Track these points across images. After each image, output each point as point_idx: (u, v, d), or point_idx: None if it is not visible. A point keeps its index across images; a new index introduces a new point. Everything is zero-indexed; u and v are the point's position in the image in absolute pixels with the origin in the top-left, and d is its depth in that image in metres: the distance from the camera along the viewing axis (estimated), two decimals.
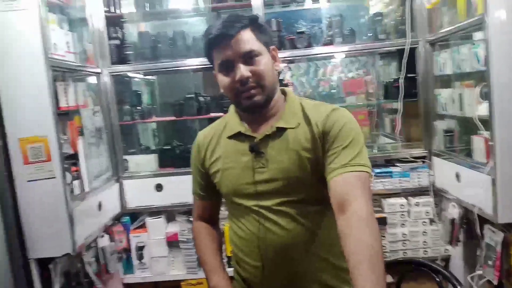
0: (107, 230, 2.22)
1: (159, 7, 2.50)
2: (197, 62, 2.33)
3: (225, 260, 1.91)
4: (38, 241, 1.73)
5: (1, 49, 1.65)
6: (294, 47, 2.30)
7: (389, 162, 2.32)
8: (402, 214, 2.24)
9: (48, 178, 1.71)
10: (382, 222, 2.21)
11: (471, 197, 1.84)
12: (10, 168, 1.69)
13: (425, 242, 2.24)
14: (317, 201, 1.14)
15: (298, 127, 1.14)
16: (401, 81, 2.24)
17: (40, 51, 1.65)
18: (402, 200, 2.24)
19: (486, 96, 1.68)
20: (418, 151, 2.26)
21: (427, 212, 2.22)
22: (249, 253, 1.20)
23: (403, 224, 2.24)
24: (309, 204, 1.14)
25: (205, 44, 1.14)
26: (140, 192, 2.37)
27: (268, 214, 1.15)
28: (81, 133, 1.98)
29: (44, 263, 1.78)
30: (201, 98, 2.41)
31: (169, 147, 2.47)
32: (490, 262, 1.72)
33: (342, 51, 2.37)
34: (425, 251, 2.24)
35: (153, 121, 2.62)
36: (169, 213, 2.48)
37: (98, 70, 2.26)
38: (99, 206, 2.08)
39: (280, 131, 1.15)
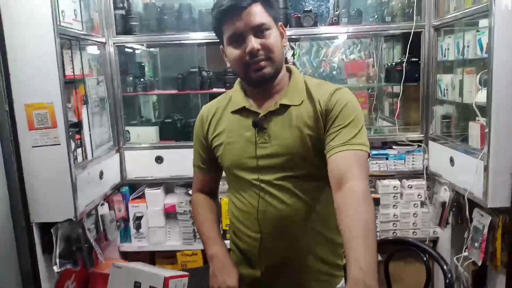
0: (107, 199, 2.26)
1: None
2: (202, 36, 2.34)
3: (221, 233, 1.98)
4: (41, 206, 1.77)
5: (9, 15, 1.64)
6: (300, 25, 2.30)
7: (386, 144, 2.37)
8: (395, 196, 2.31)
9: (53, 145, 1.73)
10: (375, 202, 2.28)
11: (463, 182, 1.89)
12: (16, 134, 1.71)
13: (415, 223, 2.32)
14: (316, 178, 1.18)
15: (301, 104, 1.17)
16: (405, 64, 2.26)
17: (49, 18, 1.65)
18: (396, 182, 2.30)
19: (485, 83, 1.71)
20: (415, 135, 2.31)
21: (419, 195, 2.29)
22: (249, 225, 1.24)
23: (395, 206, 2.31)
24: (308, 180, 1.18)
25: (215, 16, 1.15)
26: (140, 163, 2.41)
27: (269, 188, 1.19)
28: (85, 102, 2.00)
29: (45, 228, 1.83)
30: (204, 73, 2.43)
31: (170, 120, 2.50)
32: (476, 244, 1.79)
33: (347, 32, 2.38)
34: (414, 232, 2.31)
35: (156, 94, 2.65)
36: (168, 185, 2.53)
37: (103, 40, 2.26)
38: (101, 175, 2.12)
39: (284, 108, 1.18)
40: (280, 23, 1.19)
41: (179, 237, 2.46)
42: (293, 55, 2.60)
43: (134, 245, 2.47)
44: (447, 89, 2.12)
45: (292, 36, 2.34)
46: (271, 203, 1.19)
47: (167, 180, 2.45)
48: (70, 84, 1.89)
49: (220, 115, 1.28)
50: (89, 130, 2.03)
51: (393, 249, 1.74)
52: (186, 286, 2.05)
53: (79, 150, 1.94)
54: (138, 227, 2.45)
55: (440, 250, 2.28)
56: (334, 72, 3.21)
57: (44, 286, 1.82)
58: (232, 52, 1.14)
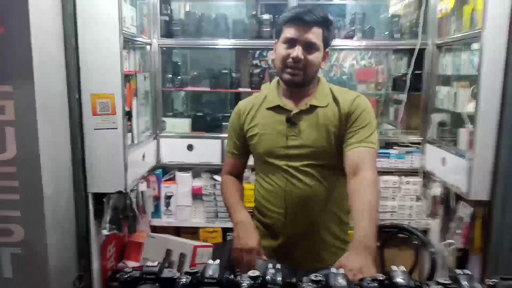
0: (145, 178, 2.62)
1: None
2: (234, 42, 2.69)
3: None
4: (97, 179, 2.10)
5: (83, 18, 1.98)
6: None
7: (388, 145, 2.69)
8: (394, 190, 2.63)
9: (111, 129, 2.08)
10: None
11: (451, 179, 2.22)
12: (81, 118, 2.06)
13: (410, 215, 2.64)
14: (334, 167, 1.43)
15: (327, 106, 1.42)
16: (409, 76, 2.60)
17: (116, 23, 1.99)
18: (395, 178, 2.62)
19: (475, 96, 2.04)
20: (415, 138, 2.64)
21: (415, 190, 2.61)
22: (275, 203, 1.47)
23: (393, 198, 2.63)
24: (328, 169, 1.43)
25: (284, 16, 1.38)
26: (173, 150, 2.75)
27: (295, 173, 1.43)
28: (135, 94, 2.36)
29: (97, 197, 2.17)
30: (234, 74, 2.77)
31: (202, 114, 2.84)
32: (458, 231, 2.13)
33: (360, 46, 2.71)
34: (409, 222, 2.64)
35: (190, 90, 2.98)
36: (196, 170, 2.87)
37: (150, 41, 2.62)
38: (143, 157, 2.47)
39: (313, 108, 1.42)
40: (327, 50, 1.42)
41: (203, 215, 2.79)
42: None
43: (163, 221, 2.80)
44: (443, 99, 2.45)
45: None
46: (296, 185, 1.42)
47: (196, 166, 2.78)
48: (125, 78, 2.25)
49: (256, 110, 1.50)
50: (137, 119, 2.39)
51: (388, 235, 2.05)
52: (210, 255, 2.42)
53: (129, 135, 2.28)
54: (167, 205, 2.79)
55: (430, 238, 2.61)
56: (345, 77, 3.50)
57: (93, 246, 2.16)
58: (281, 50, 1.38)
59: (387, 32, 2.69)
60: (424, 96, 2.61)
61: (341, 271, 0.94)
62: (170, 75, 2.77)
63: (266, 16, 2.65)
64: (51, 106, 1.84)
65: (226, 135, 2.63)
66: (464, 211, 2.11)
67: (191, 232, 2.87)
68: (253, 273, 0.93)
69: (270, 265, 0.96)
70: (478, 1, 2.02)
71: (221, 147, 2.69)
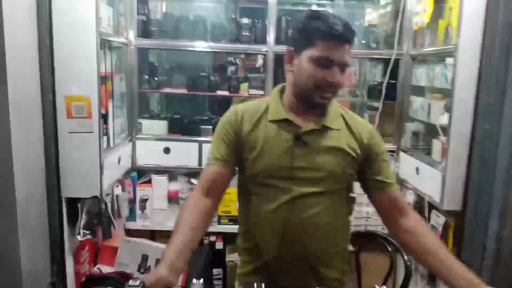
0: (120, 182, 2.57)
1: None
2: (212, 45, 2.67)
3: None
4: (71, 183, 2.06)
5: (59, 20, 1.92)
6: None
7: None
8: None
9: (87, 132, 2.04)
10: (352, 201, 2.65)
11: (425, 188, 2.29)
12: (56, 121, 2.00)
13: (378, 215, 2.70)
14: (341, 195, 1.34)
15: (340, 130, 1.30)
16: (384, 85, 2.66)
17: (93, 25, 1.95)
18: None
19: (448, 109, 2.11)
20: (389, 146, 2.70)
21: None
22: (269, 232, 1.29)
23: (368, 204, 2.69)
24: (335, 196, 1.31)
25: (318, 30, 1.17)
26: (149, 152, 2.70)
27: (298, 199, 1.26)
28: (111, 96, 2.31)
29: (71, 203, 2.12)
30: (212, 77, 2.75)
31: (178, 116, 2.81)
32: None
33: None
34: (383, 228, 2.69)
35: (167, 92, 2.94)
36: (172, 173, 2.83)
37: (126, 42, 2.56)
38: (119, 160, 2.43)
39: (325, 129, 1.29)
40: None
41: None
42: None
43: (138, 224, 2.75)
44: (418, 109, 2.52)
45: None
46: (297, 213, 1.27)
47: (172, 169, 2.76)
48: (101, 80, 2.19)
49: (257, 120, 1.31)
50: (113, 121, 2.34)
51: (363, 241, 2.09)
52: None
53: (104, 138, 2.23)
54: (143, 208, 2.75)
55: None
56: None
57: (67, 252, 2.12)
58: (312, 70, 1.19)
59: (364, 41, 2.74)
60: (398, 105, 2.67)
61: None
62: (147, 77, 2.72)
63: (245, 20, 2.65)
64: (24, 109, 1.79)
65: (203, 138, 2.69)
66: (436, 220, 2.18)
67: (167, 236, 2.80)
68: None
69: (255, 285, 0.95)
70: (453, 17, 2.08)
71: (199, 150, 2.67)
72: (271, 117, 1.30)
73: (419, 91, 2.59)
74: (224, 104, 3.00)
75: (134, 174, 2.75)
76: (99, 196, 2.10)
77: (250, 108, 1.35)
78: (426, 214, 2.26)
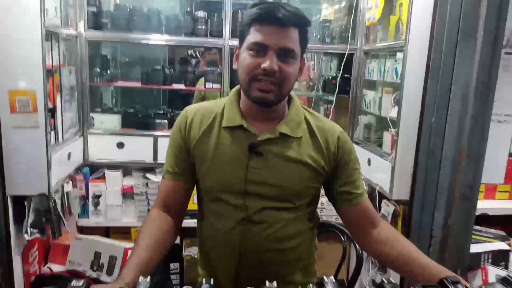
0: (70, 177, 2.49)
1: None
2: (166, 38, 2.62)
3: None
4: (17, 181, 1.97)
5: (0, 11, 1.82)
6: None
7: None
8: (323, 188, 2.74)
9: (33, 127, 1.95)
10: (317, 203, 2.70)
11: (375, 178, 2.37)
12: None
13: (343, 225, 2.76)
14: (300, 210, 1.20)
15: (301, 138, 1.16)
16: (338, 79, 2.70)
17: (37, 16, 1.85)
18: None
19: (397, 102, 2.17)
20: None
21: None
22: (226, 255, 1.19)
23: (323, 195, 2.74)
24: (292, 212, 1.18)
25: (251, 15, 1.07)
26: (102, 147, 2.63)
27: (253, 215, 1.15)
28: (59, 89, 2.22)
29: (17, 200, 2.03)
30: (167, 70, 2.71)
31: (132, 110, 2.75)
32: None
33: None
34: (337, 218, 2.76)
35: (120, 86, 2.87)
36: (126, 168, 2.78)
37: (76, 34, 2.47)
38: (69, 156, 2.34)
39: (283, 137, 1.15)
40: (303, 57, 1.16)
41: (134, 215, 2.72)
42: None
43: (91, 221, 2.68)
44: (370, 103, 2.59)
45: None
46: (255, 229, 1.15)
47: (126, 164, 2.70)
48: (48, 73, 2.10)
49: (209, 125, 1.19)
50: (61, 115, 2.25)
51: (318, 232, 2.14)
52: None
53: (52, 133, 2.15)
54: (96, 204, 2.68)
55: None
56: None
57: (14, 251, 2.03)
58: (247, 59, 1.08)
59: (319, 36, 2.77)
60: (352, 99, 2.73)
61: (274, 284, 0.89)
62: (99, 69, 2.64)
63: (201, 14, 2.61)
64: None
65: (159, 132, 2.64)
66: (387, 209, 2.26)
67: (122, 232, 2.79)
68: None
69: (204, 281, 0.94)
70: (403, 12, 2.14)
71: (154, 145, 2.63)
72: (225, 123, 1.17)
73: (372, 85, 2.65)
74: (182, 97, 2.97)
75: (86, 169, 2.67)
76: (47, 194, 2.03)
77: (202, 110, 1.22)
78: (377, 204, 2.33)
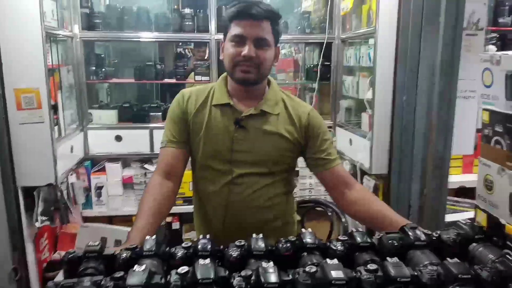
0: (74, 171, 2.65)
1: None
2: (156, 35, 2.79)
3: None
4: (26, 173, 2.12)
5: (3, 15, 1.97)
6: None
7: None
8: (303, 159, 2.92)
9: (38, 123, 2.11)
10: (295, 174, 2.88)
11: (357, 157, 2.56)
12: (6, 113, 2.06)
13: (325, 191, 2.95)
14: (276, 175, 1.41)
15: (279, 115, 1.39)
16: (319, 67, 2.89)
17: (37, 19, 2.01)
18: None
19: (372, 85, 2.36)
20: (327, 122, 2.93)
21: None
22: (215, 211, 1.41)
23: (311, 177, 2.94)
24: (273, 177, 1.40)
25: (230, 13, 1.31)
26: (101, 141, 2.80)
27: (238, 180, 1.36)
28: (60, 87, 2.38)
29: (27, 191, 2.19)
30: (158, 66, 2.87)
31: (128, 105, 2.92)
32: None
33: None
34: (325, 197, 2.95)
35: (115, 82, 3.03)
36: (125, 160, 2.94)
37: (71, 34, 2.63)
38: (71, 149, 2.51)
39: (263, 113, 1.37)
40: (278, 45, 1.38)
41: (134, 203, 2.87)
42: None
43: (95, 211, 2.84)
44: (349, 87, 2.77)
45: None
46: (239, 193, 1.37)
47: (125, 156, 2.86)
48: (49, 72, 2.26)
49: (202, 103, 1.39)
50: (63, 112, 2.42)
51: (307, 209, 2.30)
52: None
53: (56, 128, 2.31)
54: (98, 195, 2.84)
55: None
56: None
57: (26, 239, 2.19)
58: (229, 49, 1.30)
59: (299, 27, 2.95)
60: (333, 85, 2.91)
61: (260, 235, 1.04)
62: (94, 68, 2.80)
63: (187, 11, 2.77)
64: None
65: (154, 125, 2.81)
66: (367, 184, 2.45)
67: (124, 220, 2.93)
68: (186, 244, 1.02)
69: (201, 236, 1.09)
70: (373, 1, 2.32)
71: (150, 137, 2.80)
72: (215, 101, 1.38)
73: (350, 70, 2.84)
74: (174, 91, 3.12)
75: (88, 163, 2.83)
76: (54, 184, 2.19)
77: (196, 91, 1.43)
78: (359, 180, 2.52)
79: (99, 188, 2.84)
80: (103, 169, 2.85)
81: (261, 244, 1.02)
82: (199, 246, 1.02)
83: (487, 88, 1.10)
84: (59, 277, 1.03)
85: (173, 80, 2.91)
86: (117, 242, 2.47)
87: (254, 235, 1.05)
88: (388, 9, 2.21)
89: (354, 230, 1.11)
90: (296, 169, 2.89)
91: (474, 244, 1.03)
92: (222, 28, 1.39)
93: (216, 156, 1.37)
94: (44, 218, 2.24)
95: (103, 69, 2.84)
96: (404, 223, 1.24)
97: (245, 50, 1.27)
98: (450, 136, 2.13)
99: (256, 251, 1.00)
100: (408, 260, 0.98)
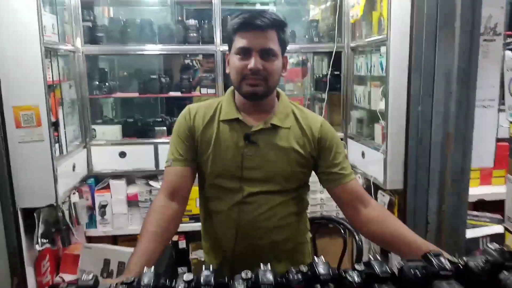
0: (76, 189, 2.57)
1: None
2: (160, 48, 2.72)
3: None
4: (26, 193, 2.05)
5: (1, 30, 1.91)
6: None
7: None
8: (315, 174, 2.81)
9: (38, 141, 2.04)
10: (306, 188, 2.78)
11: (370, 170, 2.44)
12: (5, 131, 1.99)
13: (337, 206, 2.84)
14: (289, 192, 1.34)
15: (290, 128, 1.32)
16: (329, 77, 2.79)
17: (36, 34, 1.95)
18: None
19: (384, 94, 2.25)
20: (338, 134, 2.84)
21: None
22: (225, 232, 1.34)
23: (322, 191, 2.82)
24: (286, 195, 1.33)
25: (233, 24, 1.24)
26: (105, 158, 2.71)
27: (248, 198, 1.29)
28: (61, 103, 2.31)
29: (27, 212, 2.11)
30: (163, 79, 2.79)
31: (132, 120, 2.84)
32: None
33: None
34: (337, 213, 2.84)
35: (118, 97, 2.96)
36: (130, 177, 2.85)
37: (73, 49, 2.57)
38: (74, 167, 2.43)
39: (274, 127, 1.31)
40: (285, 55, 1.31)
41: (140, 222, 2.78)
42: None
43: (99, 230, 2.76)
44: (360, 98, 2.67)
45: None
46: (249, 212, 1.30)
47: (129, 173, 2.77)
48: (49, 88, 2.20)
49: (210, 119, 1.33)
50: (64, 128, 2.35)
51: (318, 226, 2.20)
52: None
53: (56, 146, 2.24)
54: (103, 214, 2.75)
55: None
56: None
57: (26, 263, 2.10)
58: (235, 62, 1.24)
59: (307, 36, 2.86)
60: (343, 95, 2.81)
61: (268, 267, 0.95)
62: (97, 82, 2.74)
63: (192, 22, 2.71)
64: None
65: (159, 140, 2.73)
66: (382, 199, 2.33)
67: (129, 240, 2.85)
68: (187, 277, 0.95)
69: (204, 268, 1.01)
70: (384, 8, 2.23)
71: (154, 152, 2.71)
72: (223, 116, 1.32)
73: (361, 80, 2.74)
74: (180, 105, 3.05)
75: (91, 180, 2.75)
76: (55, 204, 2.11)
77: (203, 107, 1.37)
78: (373, 195, 2.40)
79: (103, 207, 2.76)
80: (107, 187, 2.77)
81: (270, 277, 0.93)
82: (202, 279, 0.95)
83: None
84: None
85: (178, 94, 2.83)
86: (121, 264, 2.38)
87: (262, 266, 0.96)
88: (400, 15, 2.12)
89: (371, 257, 1.01)
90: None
91: (505, 272, 0.93)
92: (226, 39, 1.33)
93: (226, 174, 1.31)
94: (44, 240, 2.17)
95: (107, 84, 2.78)
96: (424, 245, 1.18)
97: (251, 63, 1.22)
98: (469, 148, 2.01)
99: (264, 285, 0.92)
100: None
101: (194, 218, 2.72)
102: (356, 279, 0.92)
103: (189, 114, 1.36)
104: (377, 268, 0.95)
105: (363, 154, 2.53)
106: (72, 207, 2.44)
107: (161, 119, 2.91)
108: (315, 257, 1.01)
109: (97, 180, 2.80)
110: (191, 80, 2.83)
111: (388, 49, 2.14)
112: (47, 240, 2.18)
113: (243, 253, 1.33)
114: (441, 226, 2.10)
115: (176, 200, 1.31)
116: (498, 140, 2.21)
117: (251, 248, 1.32)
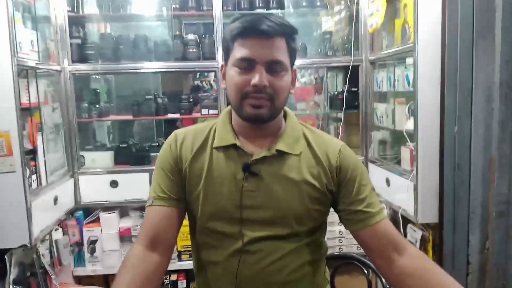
0: (61, 223, 2.28)
1: (122, 11, 2.56)
2: (157, 65, 2.46)
3: None
4: None
5: None
6: None
7: None
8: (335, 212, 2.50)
9: (8, 172, 1.77)
10: (324, 229, 2.46)
11: (397, 200, 2.12)
12: None
13: (365, 255, 2.51)
14: (303, 236, 1.08)
15: (301, 155, 1.07)
16: (345, 94, 2.49)
17: (7, 52, 1.73)
18: None
19: (412, 112, 1.95)
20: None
21: None
22: (223, 283, 1.08)
23: (340, 223, 2.48)
24: (293, 240, 1.07)
25: (233, 30, 1.00)
26: (95, 188, 2.44)
27: (251, 246, 1.04)
28: (40, 129, 2.05)
29: None
30: (159, 100, 2.53)
31: (125, 145, 2.57)
32: None
33: None
34: (358, 247, 2.50)
35: (111, 120, 2.70)
36: (123, 209, 2.58)
37: (59, 68, 2.32)
38: (55, 200, 2.15)
39: (280, 154, 1.05)
40: (294, 69, 1.08)
41: None
42: None
43: (88, 269, 2.48)
44: (382, 117, 2.36)
45: None
46: (252, 264, 1.05)
47: (122, 204, 2.49)
48: (25, 112, 1.94)
49: (200, 147, 1.09)
50: (44, 157, 2.07)
51: (338, 264, 1.91)
52: None
53: (33, 177, 1.97)
54: (92, 251, 2.47)
55: None
56: None
57: None
58: (235, 76, 1.00)
59: (320, 50, 2.59)
60: (362, 114, 2.51)
61: None
62: (86, 104, 2.48)
63: (191, 37, 2.46)
64: None
65: (154, 167, 2.43)
66: (413, 235, 2.00)
67: None
68: None
69: None
70: (409, 14, 1.95)
71: (149, 181, 2.42)
72: (217, 142, 1.07)
73: (382, 97, 2.44)
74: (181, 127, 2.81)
75: (79, 213, 2.47)
76: (28, 245, 1.82)
77: (192, 131, 1.12)
78: (402, 230, 2.07)
79: (93, 243, 2.47)
80: (97, 220, 2.50)
81: None
82: None
83: None
84: None
85: (177, 115, 2.56)
86: None
87: None
88: (428, 22, 1.85)
89: None
90: None
91: None
92: (223, 48, 1.08)
93: (221, 215, 1.05)
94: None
95: (97, 106, 2.52)
96: None
97: (256, 78, 0.97)
98: None
99: None
100: None
101: None
102: None
103: (175, 142, 1.10)
104: None
105: (387, 181, 2.20)
106: (54, 246, 2.15)
107: (157, 144, 2.63)
108: None
109: (86, 213, 2.53)
110: (190, 100, 2.55)
111: (416, 60, 1.84)
112: (21, 287, 1.88)
113: None
114: (485, 267, 1.82)
115: (158, 250, 1.04)
116: None
117: None
